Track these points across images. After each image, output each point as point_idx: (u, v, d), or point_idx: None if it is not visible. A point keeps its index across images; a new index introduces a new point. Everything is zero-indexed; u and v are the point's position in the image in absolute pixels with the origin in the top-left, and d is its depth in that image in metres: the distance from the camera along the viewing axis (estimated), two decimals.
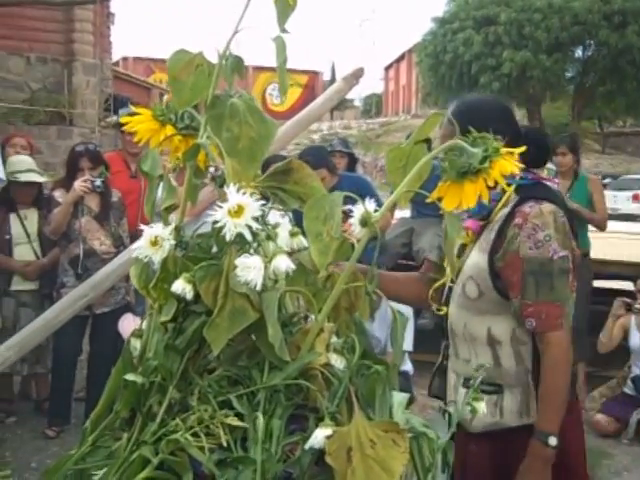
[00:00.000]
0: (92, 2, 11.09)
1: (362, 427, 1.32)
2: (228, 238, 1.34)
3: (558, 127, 26.28)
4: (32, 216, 5.26)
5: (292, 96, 42.99)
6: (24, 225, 5.21)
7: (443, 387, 2.35)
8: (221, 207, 1.34)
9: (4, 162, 5.08)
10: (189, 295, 1.39)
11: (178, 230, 1.48)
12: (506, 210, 2.15)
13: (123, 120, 1.63)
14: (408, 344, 4.51)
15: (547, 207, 2.13)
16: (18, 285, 5.19)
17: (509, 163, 1.42)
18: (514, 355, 2.17)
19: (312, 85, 45.63)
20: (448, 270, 2.21)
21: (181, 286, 1.39)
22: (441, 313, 2.33)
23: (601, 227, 5.88)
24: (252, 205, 1.35)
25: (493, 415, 2.15)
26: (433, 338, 6.21)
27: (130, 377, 1.41)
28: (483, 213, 2.18)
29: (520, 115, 31.28)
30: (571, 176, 5.94)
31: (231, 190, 1.35)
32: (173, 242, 1.45)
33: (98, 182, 4.78)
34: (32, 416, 5.29)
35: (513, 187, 2.12)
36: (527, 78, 26.76)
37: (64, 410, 4.97)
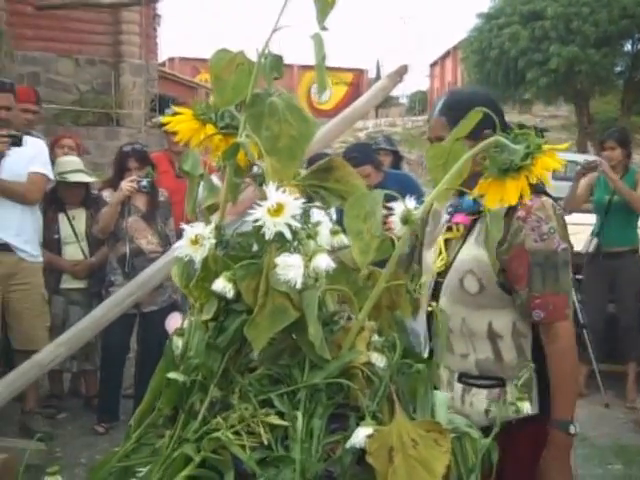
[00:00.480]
0: (138, 4, 11.21)
1: (404, 426, 1.31)
2: (267, 237, 1.34)
3: (607, 122, 25.85)
4: (80, 216, 5.34)
5: (337, 94, 42.98)
6: (72, 225, 5.29)
7: None
8: (261, 206, 1.34)
9: (53, 163, 5.16)
10: (230, 294, 1.39)
11: (219, 229, 1.49)
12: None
13: (164, 120, 1.64)
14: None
15: (547, 200, 2.17)
16: (67, 284, 5.27)
17: (552, 159, 1.39)
18: (515, 348, 2.20)
19: (357, 83, 45.54)
20: (431, 267, 2.23)
21: (222, 285, 1.39)
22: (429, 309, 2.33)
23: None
24: (292, 203, 1.34)
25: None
26: None
27: (172, 375, 1.42)
28: (478, 208, 2.15)
29: (568, 111, 30.89)
30: (621, 170, 5.87)
31: (270, 189, 1.35)
32: (214, 241, 1.45)
33: (144, 182, 4.83)
34: (82, 412, 5.38)
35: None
36: (575, 73, 26.35)
37: (113, 407, 5.05)
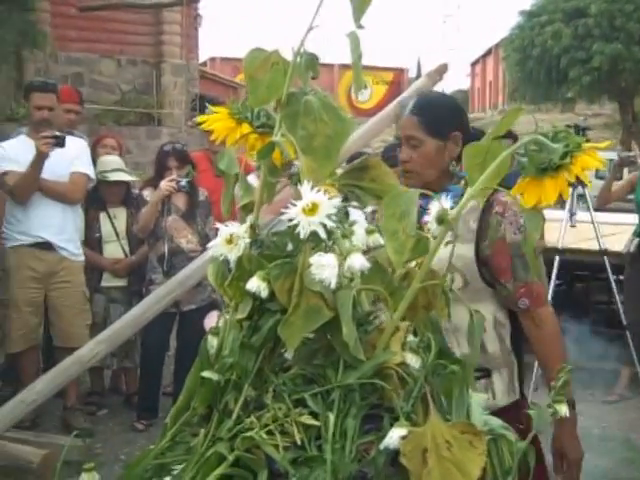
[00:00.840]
0: (179, 4, 11.29)
1: (438, 428, 1.30)
2: (302, 236, 1.34)
3: None
4: (121, 215, 5.40)
5: (378, 93, 42.93)
6: (113, 224, 5.35)
7: None
8: (296, 205, 1.34)
9: (95, 162, 5.22)
10: (264, 293, 1.39)
11: (254, 228, 1.49)
12: (474, 202, 2.23)
13: (200, 119, 1.65)
14: None
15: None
16: (108, 282, 5.33)
17: (592, 158, 1.37)
18: (497, 338, 2.32)
19: (398, 82, 45.40)
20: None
21: (256, 284, 1.39)
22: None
23: None
24: (326, 203, 1.34)
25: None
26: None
27: (206, 374, 1.42)
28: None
29: (611, 109, 30.45)
30: None
31: (305, 188, 1.34)
32: (248, 240, 1.45)
33: (183, 182, 4.86)
34: (122, 409, 5.43)
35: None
36: (619, 71, 25.96)
37: (152, 404, 5.09)
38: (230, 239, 1.46)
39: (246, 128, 1.58)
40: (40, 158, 4.46)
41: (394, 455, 1.30)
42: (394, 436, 1.28)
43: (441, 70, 4.79)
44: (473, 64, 54.39)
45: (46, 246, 4.72)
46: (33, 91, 4.84)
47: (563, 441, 2.30)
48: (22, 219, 4.69)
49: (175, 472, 1.50)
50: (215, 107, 1.63)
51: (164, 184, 4.85)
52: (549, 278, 5.66)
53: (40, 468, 3.71)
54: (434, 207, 1.41)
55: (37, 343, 4.96)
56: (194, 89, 13.10)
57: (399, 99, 4.93)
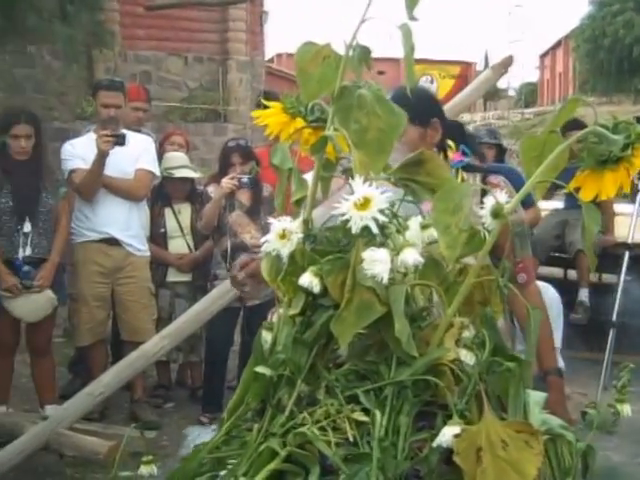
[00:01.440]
0: (243, 1, 11.36)
1: (493, 426, 1.27)
2: (354, 231, 1.32)
3: None
4: (185, 210, 5.45)
5: (445, 87, 42.47)
6: (178, 219, 5.41)
7: None
8: (347, 200, 1.33)
9: (162, 158, 5.29)
10: (316, 288, 1.38)
11: (307, 223, 1.48)
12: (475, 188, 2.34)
13: (254, 114, 1.65)
14: (557, 340, 4.34)
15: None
16: (173, 277, 5.39)
17: None
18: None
19: (465, 76, 44.86)
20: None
21: (308, 279, 1.38)
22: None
23: None
24: (379, 197, 1.32)
25: None
26: (587, 334, 5.95)
27: (259, 369, 1.42)
28: None
29: None
30: None
31: (357, 182, 1.33)
32: (301, 235, 1.45)
33: (245, 179, 4.88)
34: (187, 403, 5.49)
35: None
36: None
37: (217, 398, 5.13)
38: (283, 234, 1.46)
39: (300, 123, 1.58)
40: (101, 156, 4.54)
41: (448, 453, 1.28)
42: (447, 434, 1.26)
43: (506, 63, 4.71)
44: (542, 56, 53.44)
45: (112, 242, 4.81)
46: (100, 89, 4.92)
47: (556, 409, 2.33)
48: (90, 215, 4.78)
49: (230, 466, 1.51)
50: (269, 102, 1.63)
51: (225, 181, 4.88)
52: (619, 273, 5.53)
53: (106, 459, 3.78)
54: (489, 201, 1.38)
55: (105, 337, 5.06)
56: (259, 85, 13.16)
57: (461, 94, 4.88)
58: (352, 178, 1.40)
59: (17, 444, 3.78)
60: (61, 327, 6.07)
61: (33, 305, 4.43)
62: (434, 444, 1.27)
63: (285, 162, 1.54)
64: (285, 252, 1.45)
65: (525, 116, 36.85)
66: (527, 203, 4.53)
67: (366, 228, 1.33)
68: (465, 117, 27.16)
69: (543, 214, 5.68)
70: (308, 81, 1.46)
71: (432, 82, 38.94)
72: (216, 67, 12.86)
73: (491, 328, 1.39)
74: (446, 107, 4.84)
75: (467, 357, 1.35)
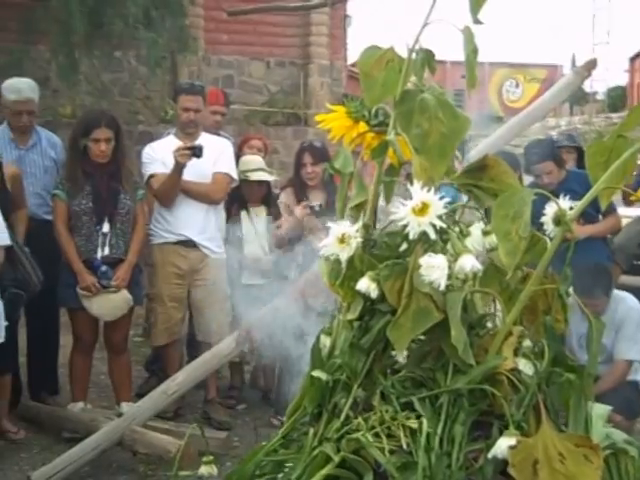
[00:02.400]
0: (324, 6, 11.39)
1: (550, 439, 1.24)
2: (411, 236, 1.31)
3: None
4: (261, 214, 5.48)
5: (530, 91, 41.72)
6: (254, 223, 5.44)
7: None
8: (405, 205, 1.31)
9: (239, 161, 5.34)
10: (374, 294, 1.37)
11: (367, 228, 1.47)
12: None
13: (318, 118, 1.65)
14: (637, 352, 4.19)
15: None
16: (248, 280, 5.43)
17: None
18: None
19: (551, 79, 43.94)
20: None
21: (366, 284, 1.37)
22: None
23: None
24: (437, 203, 1.31)
25: None
26: None
27: (315, 374, 1.42)
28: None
29: None
30: None
31: (415, 187, 1.32)
32: (360, 240, 1.44)
33: (316, 206, 4.82)
34: (260, 405, 5.52)
35: None
36: None
37: (288, 401, 5.13)
38: (342, 238, 1.45)
39: (363, 127, 1.57)
40: (178, 168, 4.60)
41: (503, 465, 1.25)
42: (503, 445, 1.24)
43: (589, 66, 4.59)
44: (632, 59, 51.99)
45: (189, 244, 4.86)
46: (181, 93, 4.99)
47: None
48: (167, 217, 4.85)
49: (287, 469, 1.51)
50: (334, 106, 1.63)
51: (299, 211, 4.88)
52: None
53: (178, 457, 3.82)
54: (550, 208, 1.35)
55: (180, 337, 5.12)
56: (340, 89, 13.18)
57: (542, 98, 4.79)
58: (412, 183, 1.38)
59: (92, 440, 3.86)
60: (140, 326, 6.19)
61: (110, 304, 4.52)
62: (489, 455, 1.25)
63: (347, 166, 1.54)
64: (344, 256, 1.44)
65: (613, 120, 35.92)
66: (607, 210, 4.41)
67: (424, 234, 1.32)
68: (550, 121, 26.67)
69: (625, 221, 5.52)
70: (371, 85, 1.46)
71: (517, 86, 38.33)
72: (297, 71, 12.94)
73: (551, 337, 1.35)
74: (526, 111, 4.77)
75: (526, 367, 1.33)
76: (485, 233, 1.43)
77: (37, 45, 9.17)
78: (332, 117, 1.60)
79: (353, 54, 14.61)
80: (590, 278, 3.90)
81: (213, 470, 1.72)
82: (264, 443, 1.55)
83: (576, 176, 4.79)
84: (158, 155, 4.86)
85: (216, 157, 4.91)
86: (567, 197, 1.39)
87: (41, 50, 9.24)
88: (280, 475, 1.51)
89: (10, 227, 4.16)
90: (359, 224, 1.46)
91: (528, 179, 4.93)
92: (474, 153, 3.88)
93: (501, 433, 1.26)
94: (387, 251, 1.44)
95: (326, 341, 1.51)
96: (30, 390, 4.94)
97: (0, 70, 9.10)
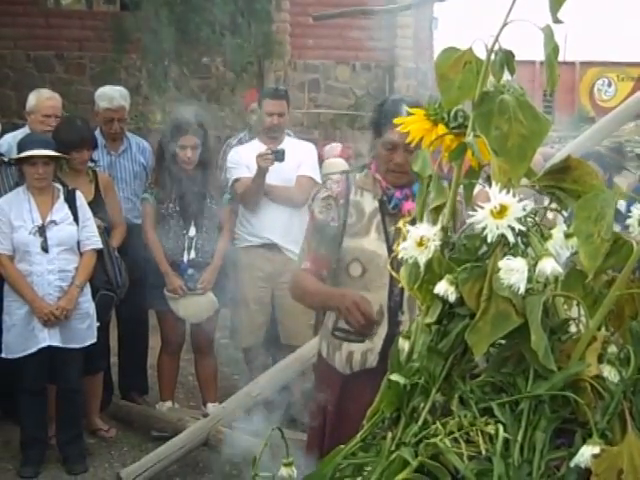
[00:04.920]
0: (407, 9, 11.33)
1: (636, 448, 1.20)
2: (489, 239, 1.29)
3: None
4: None
5: (623, 90, 40.59)
6: None
7: None
8: (483, 207, 1.29)
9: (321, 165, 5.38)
10: (452, 297, 1.36)
11: (445, 230, 1.46)
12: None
13: (396, 121, 1.64)
14: None
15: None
16: None
17: None
18: None
19: None
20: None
21: (444, 288, 1.36)
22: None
23: None
24: (516, 205, 1.28)
25: None
26: None
27: (393, 378, 1.41)
28: None
29: None
30: None
31: (494, 190, 1.30)
32: (439, 243, 1.43)
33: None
34: None
35: None
36: None
37: None
38: (421, 241, 1.44)
39: (442, 129, 1.55)
40: (261, 173, 4.66)
41: (586, 474, 1.22)
42: (586, 454, 1.20)
43: None
44: None
45: (273, 247, 4.91)
46: (265, 98, 5.06)
47: None
48: (252, 221, 4.91)
49: (365, 473, 1.50)
50: (412, 109, 1.62)
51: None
52: None
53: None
54: (636, 209, 1.31)
55: (263, 340, 5.16)
56: (426, 92, 13.10)
57: (632, 98, 4.65)
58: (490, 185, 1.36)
59: (179, 439, 3.95)
60: (227, 329, 6.29)
61: (196, 307, 4.61)
62: (572, 463, 1.22)
63: (426, 169, 1.52)
64: (422, 259, 1.43)
65: None
66: None
67: (503, 236, 1.29)
68: None
69: None
70: (449, 87, 1.44)
71: (610, 85, 37.41)
72: (383, 74, 12.92)
73: (638, 344, 1.31)
74: (615, 112, 4.65)
75: (610, 374, 1.29)
76: (567, 236, 1.40)
77: (129, 54, 9.43)
78: (411, 120, 1.59)
79: None
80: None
81: (293, 472, 1.72)
82: (342, 446, 1.55)
83: None
84: (243, 159, 4.93)
85: (300, 161, 4.94)
86: None
87: (132, 58, 9.50)
88: (359, 478, 1.50)
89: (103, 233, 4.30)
90: (437, 227, 1.45)
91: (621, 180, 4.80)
92: (559, 155, 3.80)
93: (584, 441, 1.23)
94: (466, 254, 1.42)
95: (404, 345, 1.50)
96: (121, 389, 5.07)
97: (94, 78, 9.38)
